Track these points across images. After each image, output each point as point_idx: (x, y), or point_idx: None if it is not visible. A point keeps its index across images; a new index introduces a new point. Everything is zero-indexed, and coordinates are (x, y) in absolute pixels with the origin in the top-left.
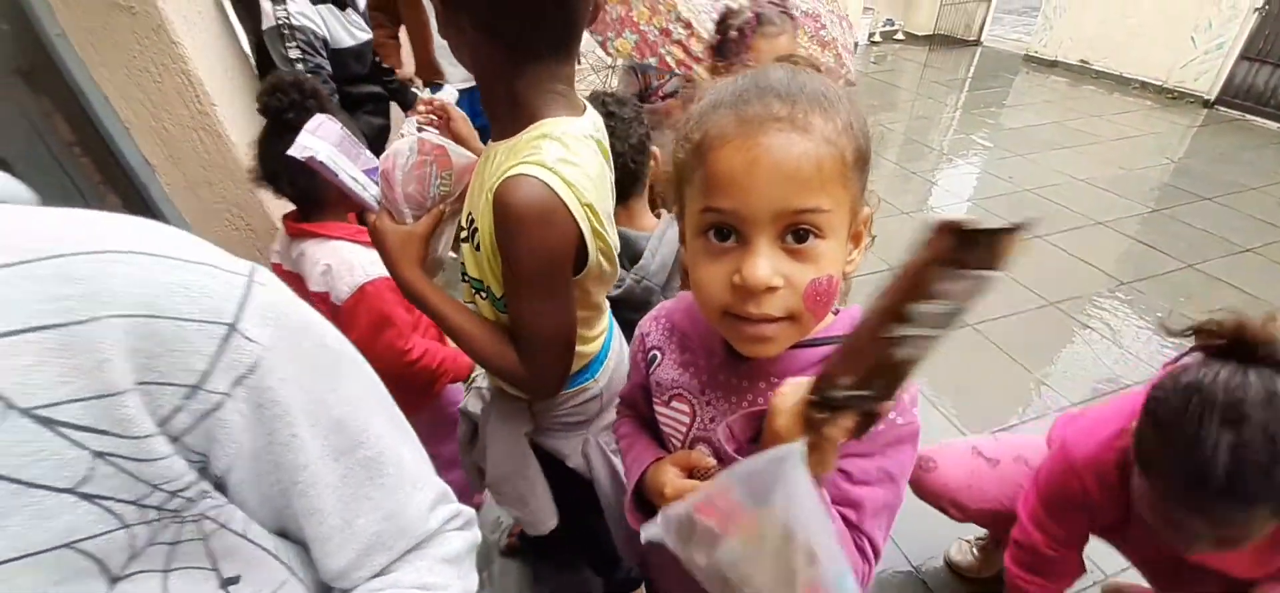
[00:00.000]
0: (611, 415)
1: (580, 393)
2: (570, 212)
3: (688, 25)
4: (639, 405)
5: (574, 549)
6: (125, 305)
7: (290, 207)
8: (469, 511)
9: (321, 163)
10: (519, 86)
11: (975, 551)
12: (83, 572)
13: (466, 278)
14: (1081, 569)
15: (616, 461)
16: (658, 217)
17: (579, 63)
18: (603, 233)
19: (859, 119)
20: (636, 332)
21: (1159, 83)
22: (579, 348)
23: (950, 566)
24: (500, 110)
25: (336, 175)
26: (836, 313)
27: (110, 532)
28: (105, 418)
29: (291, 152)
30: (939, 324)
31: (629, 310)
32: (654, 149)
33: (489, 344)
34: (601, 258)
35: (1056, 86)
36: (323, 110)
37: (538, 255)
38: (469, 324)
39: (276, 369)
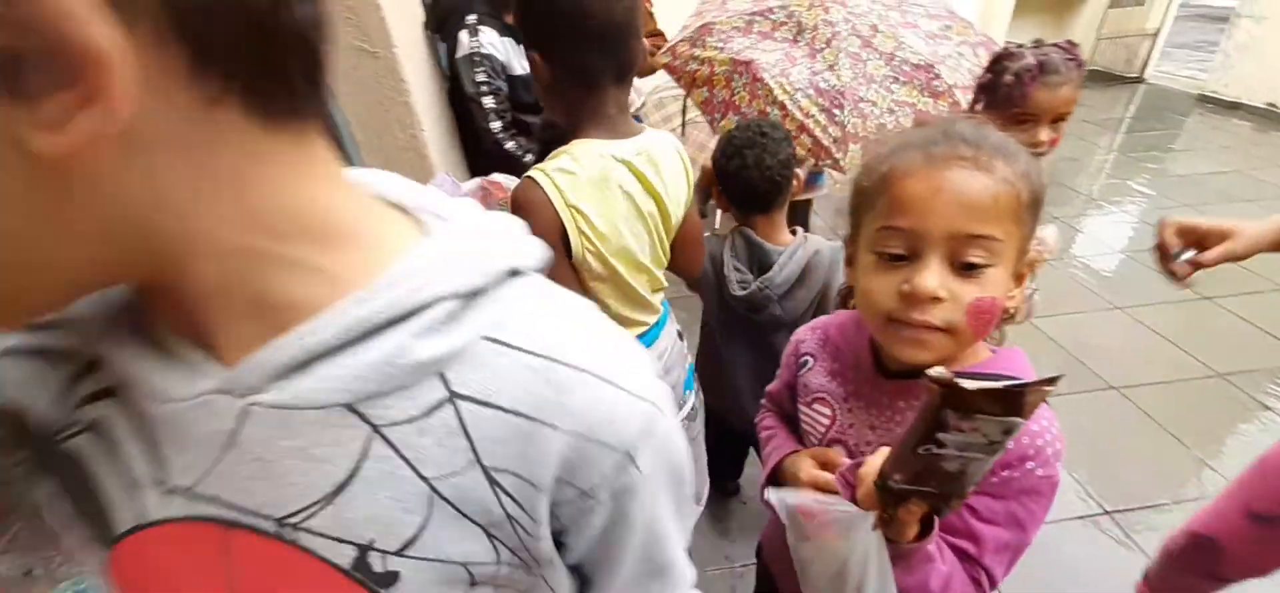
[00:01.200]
0: None
1: None
2: (554, 207)
3: (782, 108)
4: (783, 403)
5: None
6: (576, 424)
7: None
8: None
9: None
10: (577, 114)
11: None
12: (458, 582)
13: None
14: None
15: None
16: (793, 233)
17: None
18: (590, 235)
19: (1036, 170)
20: (793, 338)
21: None
22: None
23: None
24: (568, 131)
25: None
26: (994, 352)
27: (489, 564)
28: (524, 496)
29: None
30: (971, 451)
31: (749, 310)
32: (797, 171)
33: None
34: (589, 257)
35: (1238, 131)
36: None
37: None
38: None
39: (641, 493)
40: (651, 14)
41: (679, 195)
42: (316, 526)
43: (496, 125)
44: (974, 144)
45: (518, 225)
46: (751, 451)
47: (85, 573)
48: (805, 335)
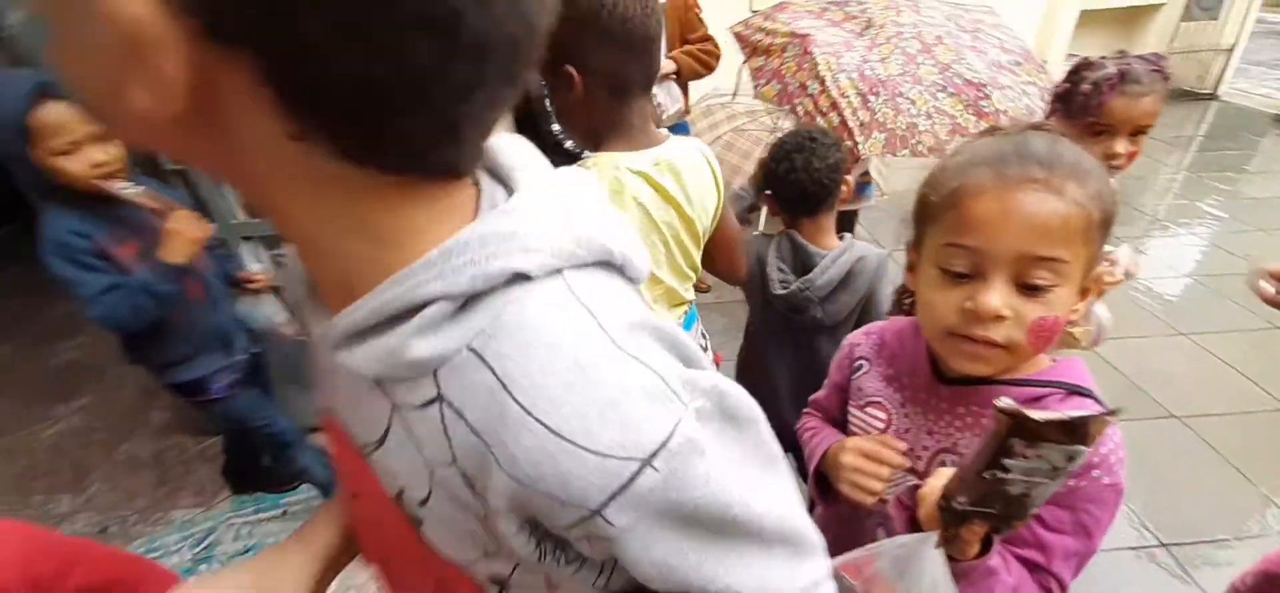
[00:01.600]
0: None
1: None
2: None
3: (821, 82)
4: (830, 409)
5: None
6: (517, 473)
7: None
8: None
9: None
10: (601, 127)
11: None
12: (471, 544)
13: None
14: None
15: None
16: (840, 239)
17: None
18: None
19: (1108, 189)
20: (846, 342)
21: None
22: None
23: None
24: (591, 146)
25: None
26: (1054, 361)
27: (490, 542)
28: (489, 509)
29: None
30: (1035, 476)
31: (788, 309)
32: (846, 177)
33: None
34: None
35: None
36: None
37: None
38: None
39: (628, 542)
40: (701, 19)
41: (706, 202)
42: (375, 460)
43: (558, 126)
44: (1047, 164)
45: (580, 218)
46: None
47: (159, 532)
48: (860, 339)
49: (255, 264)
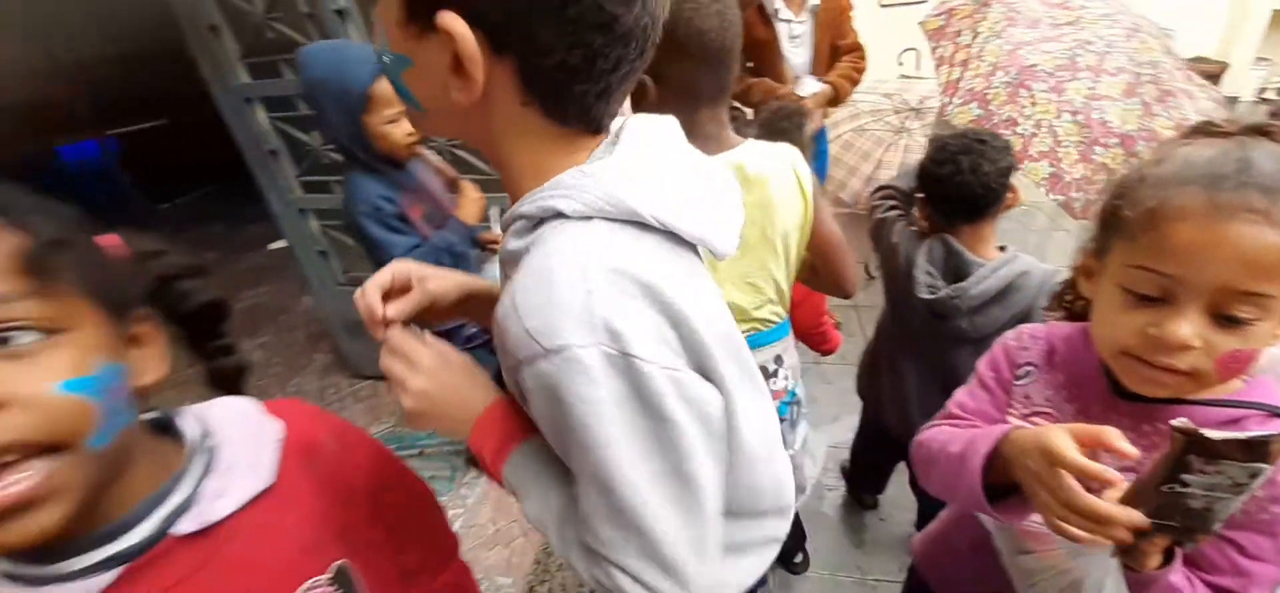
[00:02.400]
0: None
1: None
2: None
3: (974, 36)
4: (980, 414)
5: None
6: (498, 315)
7: None
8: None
9: None
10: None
11: None
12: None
13: None
14: None
15: None
16: (1002, 250)
17: None
18: None
19: None
20: (1004, 342)
21: None
22: None
23: None
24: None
25: None
26: (1245, 381)
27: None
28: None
29: None
30: (1217, 491)
31: (933, 315)
32: (1014, 183)
33: None
34: None
35: None
36: (797, 131)
37: None
38: None
39: (537, 405)
40: (853, 28)
41: (787, 212)
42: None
43: None
44: (1268, 191)
45: (631, 185)
46: (893, 474)
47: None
48: (1027, 342)
49: (497, 227)
